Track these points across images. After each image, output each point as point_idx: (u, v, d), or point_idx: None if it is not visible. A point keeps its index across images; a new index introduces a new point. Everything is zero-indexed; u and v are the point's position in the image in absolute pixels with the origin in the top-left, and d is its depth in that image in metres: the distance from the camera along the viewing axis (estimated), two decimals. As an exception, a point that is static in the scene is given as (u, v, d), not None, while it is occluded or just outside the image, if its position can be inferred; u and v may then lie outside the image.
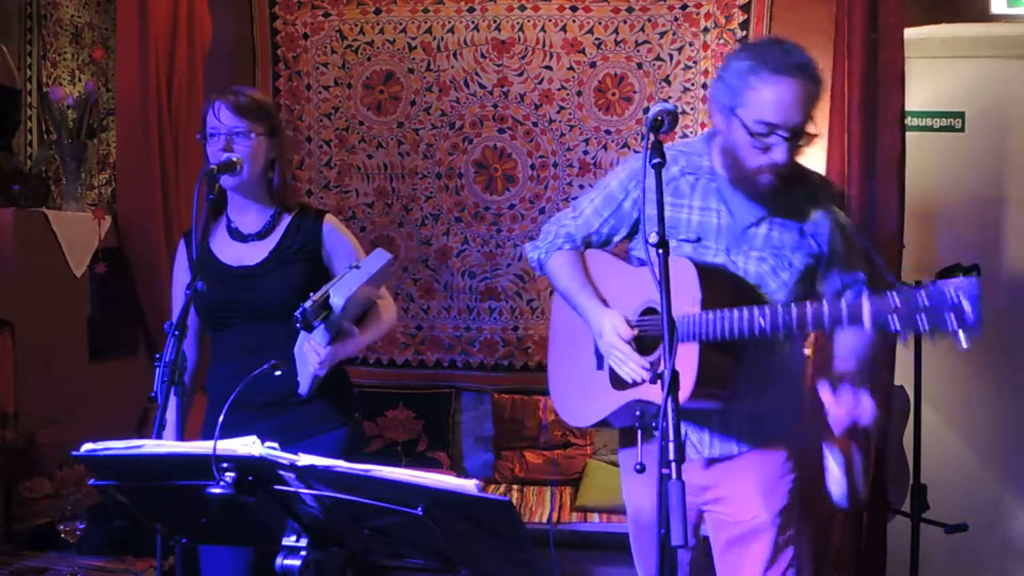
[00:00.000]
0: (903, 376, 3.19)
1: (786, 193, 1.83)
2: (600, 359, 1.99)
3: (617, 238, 2.04)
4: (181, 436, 1.96)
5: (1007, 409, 3.86)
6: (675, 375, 1.40)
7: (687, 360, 1.73)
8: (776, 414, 1.95)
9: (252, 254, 2.13)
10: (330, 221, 2.18)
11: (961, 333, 1.37)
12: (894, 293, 1.46)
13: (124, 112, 3.31)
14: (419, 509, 1.24)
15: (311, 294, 1.92)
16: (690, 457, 1.90)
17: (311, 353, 1.99)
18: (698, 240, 1.88)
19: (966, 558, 3.78)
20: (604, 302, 1.94)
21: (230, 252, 2.14)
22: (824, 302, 1.62)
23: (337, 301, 1.93)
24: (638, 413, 1.80)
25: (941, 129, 3.86)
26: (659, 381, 1.54)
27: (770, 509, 1.93)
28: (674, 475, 1.33)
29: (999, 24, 3.57)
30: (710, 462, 1.95)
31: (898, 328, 1.44)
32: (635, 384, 1.85)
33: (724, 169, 1.87)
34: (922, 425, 3.17)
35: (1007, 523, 3.87)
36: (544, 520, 3.30)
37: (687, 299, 1.74)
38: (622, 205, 1.98)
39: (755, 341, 1.70)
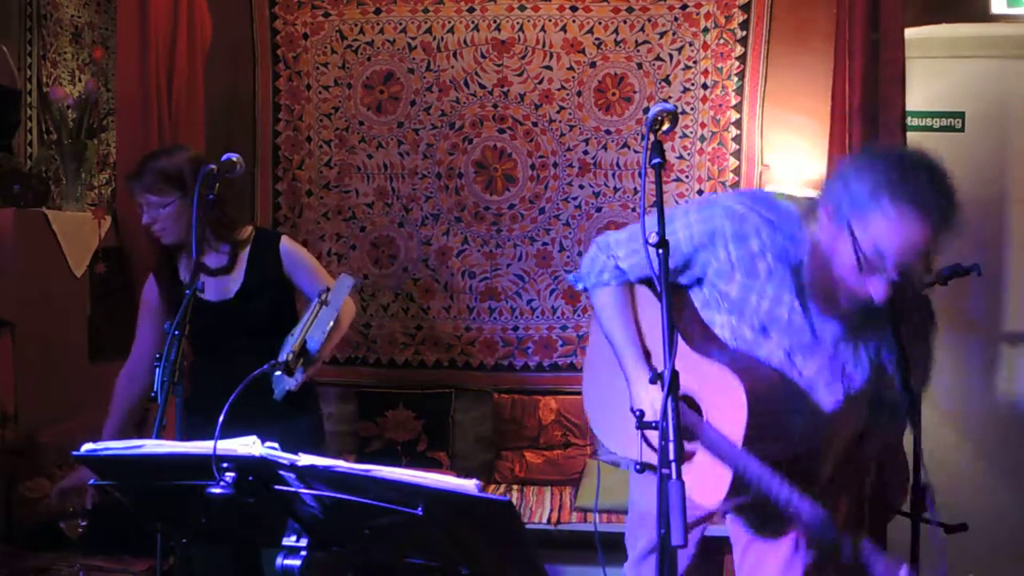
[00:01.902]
0: (903, 376, 3.19)
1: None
2: None
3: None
4: (182, 436, 1.96)
5: (1007, 409, 3.85)
6: (675, 375, 1.40)
7: (719, 473, 1.67)
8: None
9: (224, 287, 2.30)
10: (286, 244, 2.36)
11: None
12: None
13: (124, 112, 3.31)
14: (419, 509, 1.24)
15: (288, 340, 2.05)
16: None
17: (286, 378, 2.13)
18: (763, 331, 1.74)
19: (966, 558, 3.78)
20: (647, 353, 1.83)
21: (204, 285, 2.24)
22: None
23: (313, 346, 2.10)
24: (637, 413, 1.78)
25: (941, 129, 3.86)
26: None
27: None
28: (674, 475, 1.33)
29: (999, 24, 3.57)
30: None
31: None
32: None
33: (809, 271, 1.69)
34: (922, 425, 3.17)
35: (1007, 523, 3.87)
36: (544, 520, 3.30)
37: (727, 419, 1.66)
38: (688, 260, 1.78)
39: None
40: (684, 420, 1.70)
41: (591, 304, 1.98)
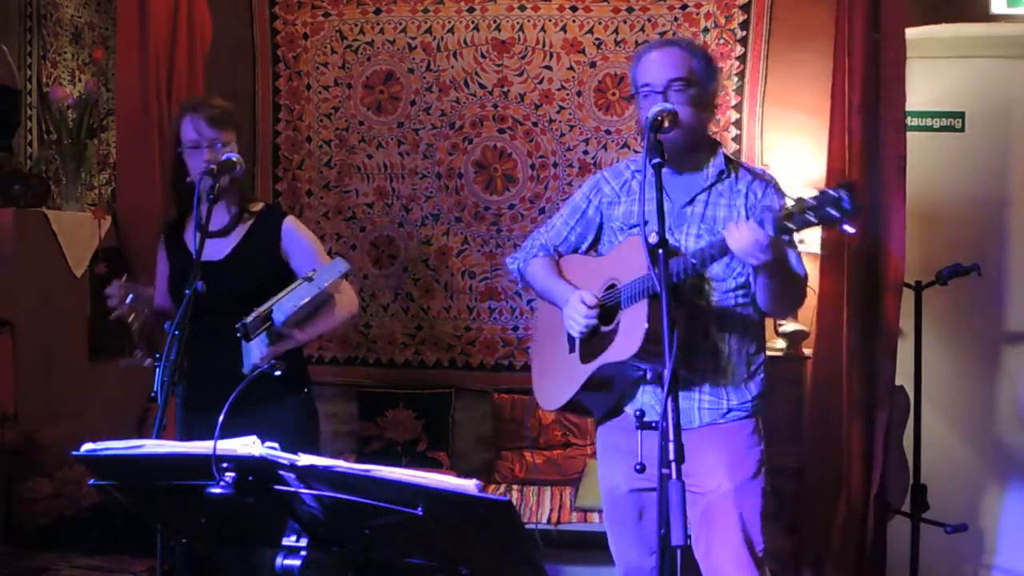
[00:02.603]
0: (903, 376, 3.19)
1: (706, 171, 2.05)
2: (572, 342, 2.14)
3: (585, 245, 2.25)
4: (182, 436, 1.97)
5: (1007, 409, 3.85)
6: (674, 375, 1.41)
7: (638, 316, 1.91)
8: (736, 390, 2.05)
9: (216, 250, 2.29)
10: (290, 222, 2.36)
11: (844, 222, 1.59)
12: (786, 200, 1.70)
13: (124, 112, 3.31)
14: (419, 509, 1.24)
15: (254, 308, 2.09)
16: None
17: (255, 348, 2.14)
18: (645, 223, 2.00)
19: (966, 558, 3.78)
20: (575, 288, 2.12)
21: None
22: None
23: (278, 316, 2.11)
24: (637, 414, 1.81)
25: (941, 129, 3.86)
26: (615, 339, 1.94)
27: (734, 479, 2.00)
28: (674, 475, 1.34)
29: (999, 24, 3.56)
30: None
31: (792, 226, 1.65)
32: (601, 351, 2.00)
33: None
34: (922, 425, 3.17)
35: (1007, 523, 3.87)
36: (544, 520, 3.30)
37: (639, 268, 1.91)
38: (586, 213, 2.22)
39: (696, 285, 1.97)
40: (613, 300, 2.01)
41: (527, 284, 2.30)
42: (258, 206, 2.40)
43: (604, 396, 2.13)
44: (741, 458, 2.03)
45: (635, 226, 2.09)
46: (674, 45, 2.02)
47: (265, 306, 2.10)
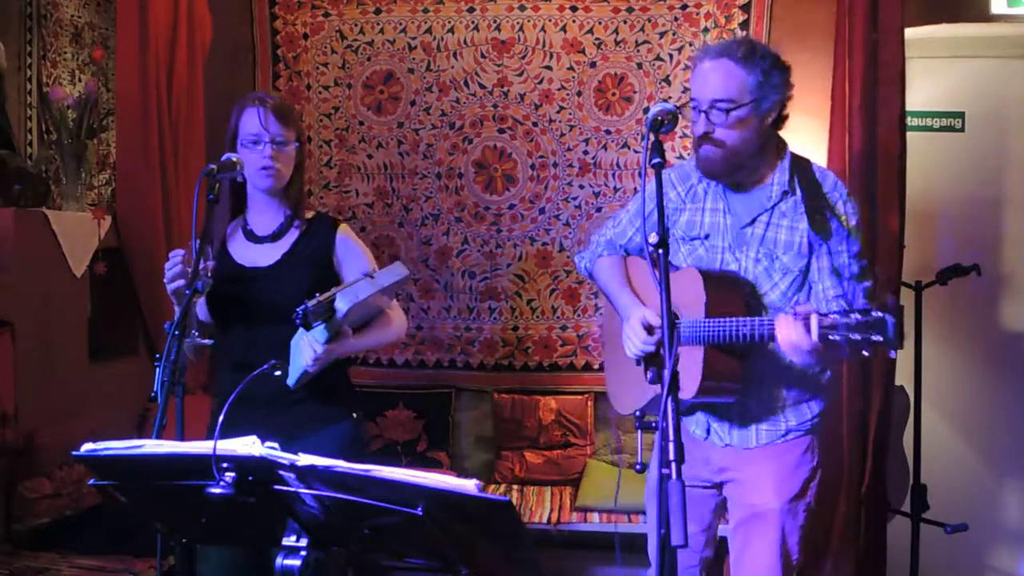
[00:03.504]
0: (903, 376, 3.19)
1: (770, 189, 1.97)
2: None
3: None
4: (182, 436, 1.96)
5: (1007, 409, 3.85)
6: (675, 375, 1.41)
7: (693, 361, 1.88)
8: (795, 410, 2.02)
9: (265, 256, 2.16)
10: (344, 231, 2.24)
11: (888, 346, 1.58)
12: (835, 315, 1.65)
13: (124, 112, 3.31)
14: (419, 509, 1.24)
15: (316, 294, 1.95)
16: (712, 442, 2.06)
17: (307, 348, 2.01)
18: (707, 237, 2.02)
19: (966, 558, 3.78)
20: (642, 302, 2.06)
21: (244, 253, 2.18)
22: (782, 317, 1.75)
23: (341, 306, 1.98)
24: (637, 414, 1.84)
25: (941, 129, 3.86)
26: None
27: (780, 497, 1.99)
28: (674, 475, 1.34)
29: (999, 24, 3.56)
30: (728, 446, 2.05)
31: (836, 339, 1.63)
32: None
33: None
34: (922, 425, 3.17)
35: (1007, 523, 3.87)
36: (544, 520, 3.30)
37: (696, 306, 1.88)
38: (650, 216, 2.07)
39: (748, 345, 1.85)
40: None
41: (595, 284, 2.27)
42: (310, 213, 2.26)
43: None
44: (790, 476, 2.01)
45: (696, 239, 2.02)
46: (728, 56, 1.88)
47: (328, 293, 1.97)
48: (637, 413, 1.60)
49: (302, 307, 1.92)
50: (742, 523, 2.04)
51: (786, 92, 1.93)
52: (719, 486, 2.11)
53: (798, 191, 1.95)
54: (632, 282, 2.13)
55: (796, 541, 2.01)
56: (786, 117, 1.99)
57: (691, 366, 1.88)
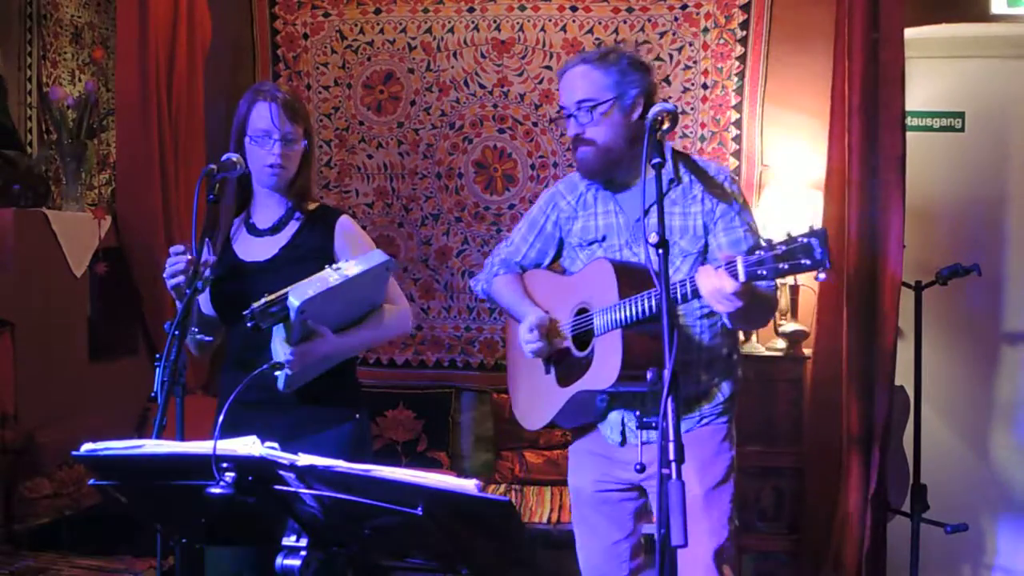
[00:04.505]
0: (903, 376, 3.19)
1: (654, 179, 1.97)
2: (547, 364, 2.11)
3: (546, 261, 2.21)
4: (182, 436, 1.96)
5: (1007, 409, 3.85)
6: (674, 376, 1.41)
7: (612, 347, 1.89)
8: (707, 396, 2.04)
9: (264, 249, 2.13)
10: (346, 220, 2.18)
11: (816, 269, 1.54)
12: (760, 251, 1.61)
13: (124, 112, 3.31)
14: (419, 509, 1.24)
15: (265, 293, 1.85)
16: (630, 442, 2.04)
17: (278, 352, 1.93)
18: (604, 239, 2.06)
19: (966, 558, 3.78)
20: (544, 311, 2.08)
21: (245, 247, 2.15)
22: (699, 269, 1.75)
23: (293, 302, 1.82)
24: (637, 414, 1.83)
25: (941, 129, 3.86)
26: (590, 367, 1.94)
27: (703, 484, 1.99)
28: (674, 475, 1.34)
29: (999, 24, 3.56)
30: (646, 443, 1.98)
31: (764, 273, 1.60)
32: (578, 377, 1.99)
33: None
34: (922, 425, 3.17)
35: (1007, 523, 3.87)
36: (544, 520, 3.30)
37: (609, 293, 1.90)
38: (544, 228, 2.18)
39: (657, 319, 1.82)
40: (586, 327, 1.98)
41: (496, 303, 2.28)
42: (313, 204, 2.20)
43: (580, 417, 2.12)
44: (710, 464, 2.02)
45: (594, 242, 2.07)
46: (585, 62, 1.98)
47: (280, 292, 1.84)
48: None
49: (249, 309, 1.83)
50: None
51: (646, 87, 1.99)
52: (640, 488, 2.10)
53: (685, 178, 2.01)
54: (532, 295, 2.15)
55: (725, 536, 2.01)
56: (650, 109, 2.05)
57: (611, 354, 1.89)
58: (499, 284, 2.22)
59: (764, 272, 1.60)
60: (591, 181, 2.07)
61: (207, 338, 2.05)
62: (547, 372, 2.11)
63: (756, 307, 1.86)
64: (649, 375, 1.98)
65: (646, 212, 1.99)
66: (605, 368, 1.91)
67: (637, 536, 2.16)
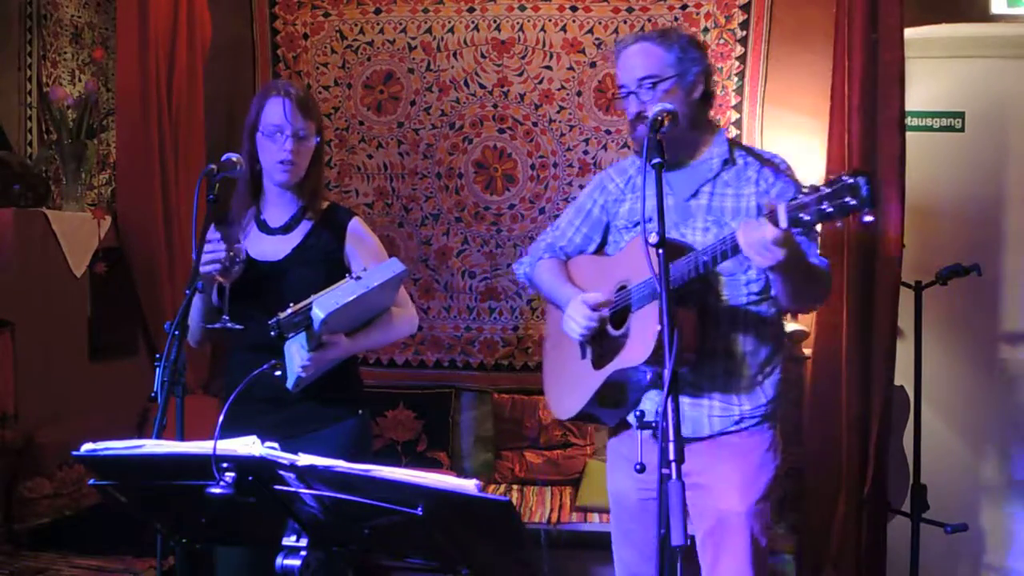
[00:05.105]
0: (903, 376, 3.19)
1: (708, 161, 1.99)
2: (583, 347, 2.06)
3: (592, 246, 2.18)
4: (182, 436, 1.96)
5: (1007, 409, 3.86)
6: (675, 375, 1.41)
7: (648, 319, 1.85)
8: (749, 394, 1.96)
9: (276, 248, 2.13)
10: (358, 222, 2.19)
11: (862, 210, 1.47)
12: (802, 195, 1.55)
13: (124, 112, 3.31)
14: (419, 509, 1.24)
15: (290, 304, 1.91)
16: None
17: (295, 354, 1.98)
18: (650, 220, 1.97)
19: (966, 558, 3.78)
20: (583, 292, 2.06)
21: (256, 245, 2.14)
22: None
23: (318, 313, 1.88)
24: (638, 414, 1.80)
25: (941, 129, 3.86)
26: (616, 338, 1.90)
27: (746, 500, 1.94)
28: (674, 475, 1.34)
29: (999, 24, 3.57)
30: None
31: (807, 217, 1.53)
32: (613, 357, 1.94)
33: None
34: (922, 425, 3.17)
35: (1007, 523, 3.87)
36: (544, 520, 3.30)
37: (647, 267, 1.82)
38: (591, 212, 2.16)
39: (706, 282, 1.86)
40: (624, 302, 1.95)
41: (536, 289, 2.25)
42: (324, 204, 2.20)
43: (617, 405, 2.05)
44: (754, 477, 1.95)
45: (639, 223, 2.00)
46: (645, 40, 1.96)
47: (305, 301, 1.90)
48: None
49: (274, 319, 1.90)
50: (711, 533, 1.97)
51: (706, 67, 1.98)
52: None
53: (740, 160, 1.99)
54: (575, 281, 2.12)
55: (765, 544, 1.96)
56: (713, 95, 2.05)
57: (645, 329, 1.83)
58: (541, 268, 2.20)
59: (807, 217, 1.52)
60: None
61: (237, 326, 2.02)
62: (583, 356, 2.05)
63: (805, 276, 1.81)
64: (649, 375, 1.97)
65: (695, 193, 1.97)
66: (642, 340, 1.84)
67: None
